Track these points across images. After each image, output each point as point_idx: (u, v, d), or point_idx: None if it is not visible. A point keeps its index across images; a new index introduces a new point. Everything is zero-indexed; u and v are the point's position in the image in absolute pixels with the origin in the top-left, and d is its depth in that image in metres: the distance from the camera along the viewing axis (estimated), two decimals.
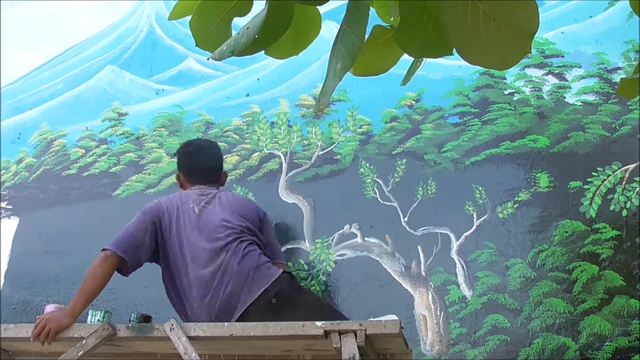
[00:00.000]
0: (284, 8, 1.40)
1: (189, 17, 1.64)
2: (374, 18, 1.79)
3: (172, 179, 4.14)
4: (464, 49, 1.35)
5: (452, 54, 1.45)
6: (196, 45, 1.63)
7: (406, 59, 1.76)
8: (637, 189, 3.09)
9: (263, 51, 1.59)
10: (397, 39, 1.49)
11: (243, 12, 1.55)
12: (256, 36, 1.38)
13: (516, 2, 1.29)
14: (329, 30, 1.75)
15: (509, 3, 1.29)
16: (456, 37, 1.34)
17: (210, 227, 2.89)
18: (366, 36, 1.69)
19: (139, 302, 3.78)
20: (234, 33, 1.53)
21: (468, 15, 1.29)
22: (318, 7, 1.64)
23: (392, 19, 1.77)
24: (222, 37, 1.56)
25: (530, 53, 1.35)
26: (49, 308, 2.98)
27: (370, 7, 1.66)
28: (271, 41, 1.46)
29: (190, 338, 2.55)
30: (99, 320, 2.85)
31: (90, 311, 2.95)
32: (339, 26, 1.48)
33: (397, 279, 3.37)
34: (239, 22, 1.55)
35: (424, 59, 1.91)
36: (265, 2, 1.41)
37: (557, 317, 3.00)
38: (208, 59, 1.54)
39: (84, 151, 4.54)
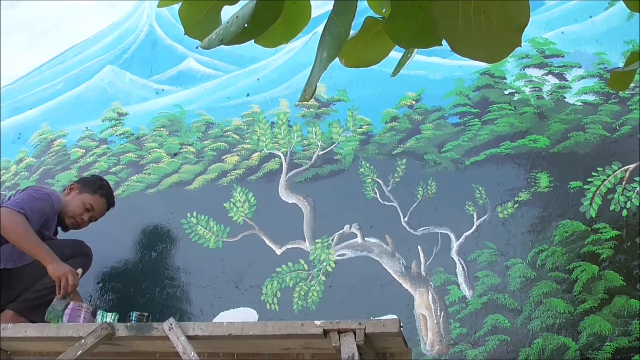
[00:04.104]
0: None
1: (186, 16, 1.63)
2: (367, 10, 1.80)
3: (172, 178, 4.15)
4: (454, 41, 1.35)
5: (442, 44, 1.45)
6: (185, 34, 1.62)
7: (399, 54, 1.76)
8: (637, 189, 3.09)
9: (253, 40, 1.58)
10: (387, 29, 1.48)
11: (233, 1, 1.54)
12: (246, 25, 1.37)
13: None
14: None
15: None
16: (446, 29, 1.34)
17: None
18: (357, 27, 1.69)
19: (137, 302, 3.77)
20: (223, 21, 1.52)
21: (459, 7, 1.28)
22: None
23: (384, 10, 1.77)
24: (212, 25, 1.55)
25: (520, 46, 1.34)
26: (69, 305, 2.98)
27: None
28: (261, 30, 1.45)
29: (189, 337, 2.54)
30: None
31: (99, 312, 2.94)
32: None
33: (397, 279, 3.37)
34: (229, 10, 1.54)
35: (415, 50, 1.91)
36: None
37: (557, 317, 2.99)
38: (197, 47, 1.54)
39: (84, 151, 4.54)
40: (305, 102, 4.01)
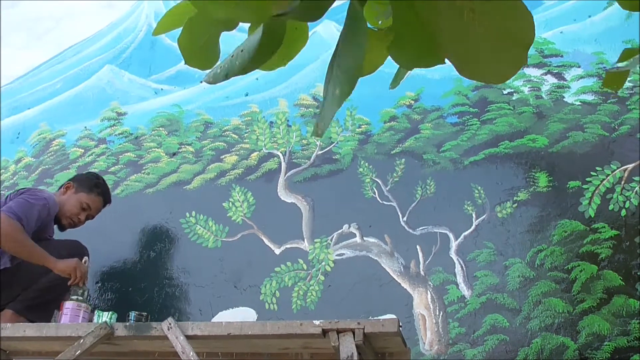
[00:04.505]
0: (278, 27, 1.40)
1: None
2: None
3: (171, 178, 4.14)
4: (459, 63, 1.34)
5: (444, 63, 1.45)
6: (186, 63, 1.63)
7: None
8: (636, 188, 3.09)
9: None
10: (391, 52, 1.48)
11: (231, 26, 1.54)
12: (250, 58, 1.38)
13: (511, 14, 1.29)
14: (328, 30, 1.74)
15: (504, 15, 1.28)
16: (451, 51, 1.33)
17: None
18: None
19: (136, 301, 3.77)
20: (223, 47, 1.52)
21: (462, 27, 1.28)
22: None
23: (380, 22, 1.77)
24: (211, 52, 1.55)
25: (526, 64, 1.34)
26: (69, 305, 2.99)
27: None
28: (265, 59, 1.44)
29: (187, 337, 2.55)
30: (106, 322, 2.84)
31: (96, 311, 2.94)
32: (338, 26, 1.47)
33: (396, 278, 3.37)
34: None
35: None
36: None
37: (556, 316, 2.99)
38: (201, 82, 1.55)
39: (82, 151, 4.53)
40: (304, 102, 4.01)
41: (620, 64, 2.19)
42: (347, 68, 1.39)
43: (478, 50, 1.30)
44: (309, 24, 1.70)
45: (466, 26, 1.27)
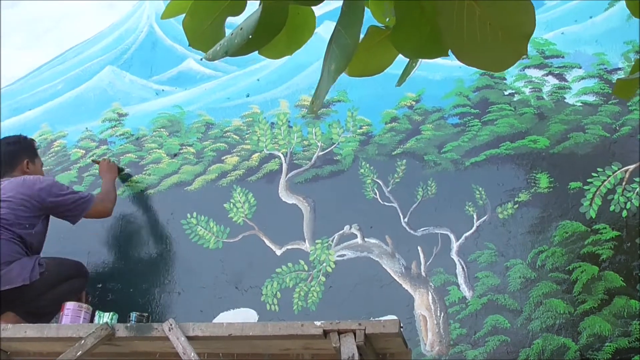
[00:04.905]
0: (278, 8, 1.40)
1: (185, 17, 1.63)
2: (369, 18, 1.79)
3: (172, 179, 4.14)
4: (459, 50, 1.35)
5: (448, 55, 1.45)
6: (189, 45, 1.63)
7: (403, 60, 1.76)
8: (637, 189, 3.09)
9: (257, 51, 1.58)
10: (393, 39, 1.49)
11: (236, 12, 1.54)
12: (250, 36, 1.37)
13: (512, 5, 1.29)
14: (329, 30, 1.74)
15: (505, 5, 1.29)
16: (452, 38, 1.34)
17: None
18: (361, 37, 1.68)
19: (137, 302, 3.77)
20: (227, 32, 1.52)
21: (464, 17, 1.28)
22: (313, 7, 1.63)
23: (387, 19, 1.77)
24: (216, 36, 1.55)
25: (527, 55, 1.34)
26: (70, 305, 2.99)
27: (366, 8, 1.66)
28: (265, 41, 1.45)
29: (189, 338, 2.55)
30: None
31: (97, 312, 2.95)
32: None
33: (397, 279, 3.37)
34: (233, 21, 1.55)
35: (420, 60, 1.91)
36: (259, 2, 1.40)
37: (557, 317, 2.99)
38: (202, 59, 1.55)
39: (84, 152, 4.53)
40: (305, 103, 4.01)
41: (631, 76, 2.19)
42: (343, 44, 1.40)
43: (479, 40, 1.30)
44: (316, 17, 1.70)
45: (468, 17, 1.28)
